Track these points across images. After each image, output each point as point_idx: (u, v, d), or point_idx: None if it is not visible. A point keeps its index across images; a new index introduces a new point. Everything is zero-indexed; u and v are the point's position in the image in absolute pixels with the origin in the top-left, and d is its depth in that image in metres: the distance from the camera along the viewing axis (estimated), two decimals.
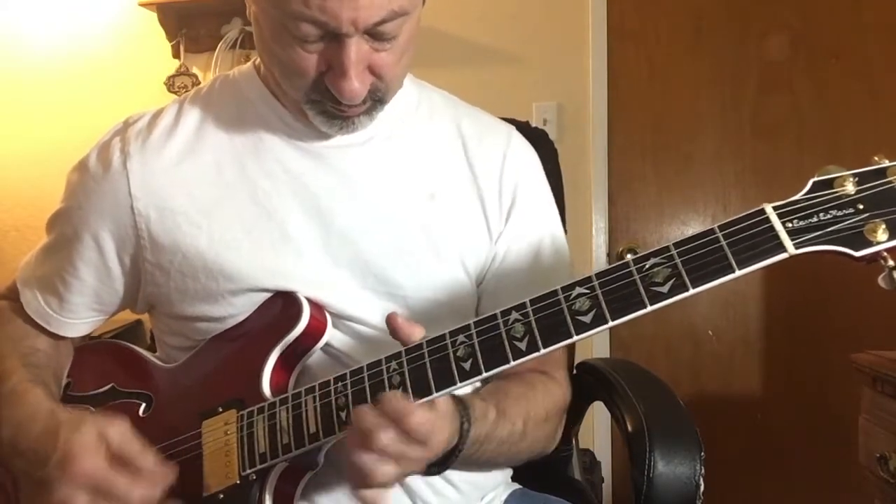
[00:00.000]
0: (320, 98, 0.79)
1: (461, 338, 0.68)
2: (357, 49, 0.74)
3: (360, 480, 0.67)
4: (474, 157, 0.92)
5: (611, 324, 0.64)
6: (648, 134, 2.13)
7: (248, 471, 0.75)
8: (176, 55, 2.27)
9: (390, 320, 0.71)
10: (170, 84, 2.24)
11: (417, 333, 0.71)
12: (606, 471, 2.05)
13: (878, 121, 1.99)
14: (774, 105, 2.06)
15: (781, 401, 2.10)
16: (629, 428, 0.95)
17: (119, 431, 0.75)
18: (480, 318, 0.69)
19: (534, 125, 1.36)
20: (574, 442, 1.25)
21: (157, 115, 0.90)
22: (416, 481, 0.84)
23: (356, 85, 0.75)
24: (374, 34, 0.74)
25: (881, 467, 1.39)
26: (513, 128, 0.99)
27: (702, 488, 0.89)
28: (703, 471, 0.90)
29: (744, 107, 2.08)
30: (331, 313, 0.84)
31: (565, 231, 1.33)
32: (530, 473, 1.00)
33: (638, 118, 2.13)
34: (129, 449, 0.75)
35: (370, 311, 0.85)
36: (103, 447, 0.73)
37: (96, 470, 0.72)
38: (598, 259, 2.12)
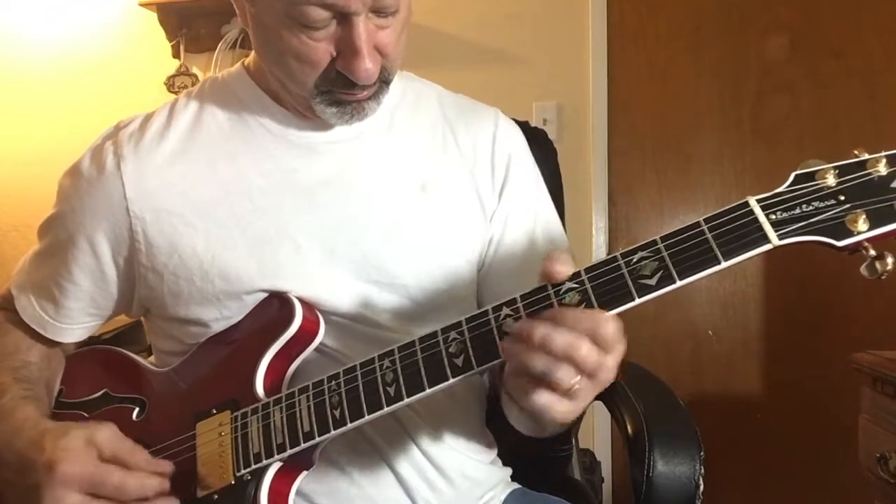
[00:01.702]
0: (330, 87, 0.79)
1: (453, 334, 0.69)
2: (365, 27, 0.75)
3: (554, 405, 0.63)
4: (463, 141, 0.93)
5: None
6: (648, 134, 2.13)
7: (243, 471, 0.75)
8: (176, 55, 2.27)
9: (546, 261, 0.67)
10: (170, 84, 2.24)
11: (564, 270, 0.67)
12: (606, 471, 2.05)
13: (877, 120, 1.99)
14: (774, 105, 2.06)
15: (781, 401, 2.10)
16: (629, 428, 0.96)
17: (107, 433, 0.75)
18: (472, 314, 0.69)
19: (534, 125, 1.36)
20: (574, 442, 1.25)
21: (148, 117, 0.90)
22: (414, 479, 0.84)
23: (369, 64, 0.76)
24: (379, 8, 0.75)
25: (881, 467, 1.38)
26: (497, 110, 1.00)
27: (702, 488, 0.89)
28: (703, 471, 0.90)
29: (744, 107, 2.08)
30: (326, 310, 0.84)
31: (565, 231, 1.34)
32: (530, 473, 1.00)
33: (638, 118, 2.13)
34: (120, 447, 0.75)
35: (365, 305, 0.85)
36: (92, 450, 0.74)
37: (87, 468, 0.72)
38: (599, 259, 2.12)
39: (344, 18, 0.74)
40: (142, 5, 2.19)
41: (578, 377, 0.62)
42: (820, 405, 2.03)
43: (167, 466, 0.77)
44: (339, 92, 0.79)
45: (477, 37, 2.13)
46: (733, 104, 2.08)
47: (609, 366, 0.63)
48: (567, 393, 0.62)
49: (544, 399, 0.62)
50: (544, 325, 0.62)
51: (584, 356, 0.61)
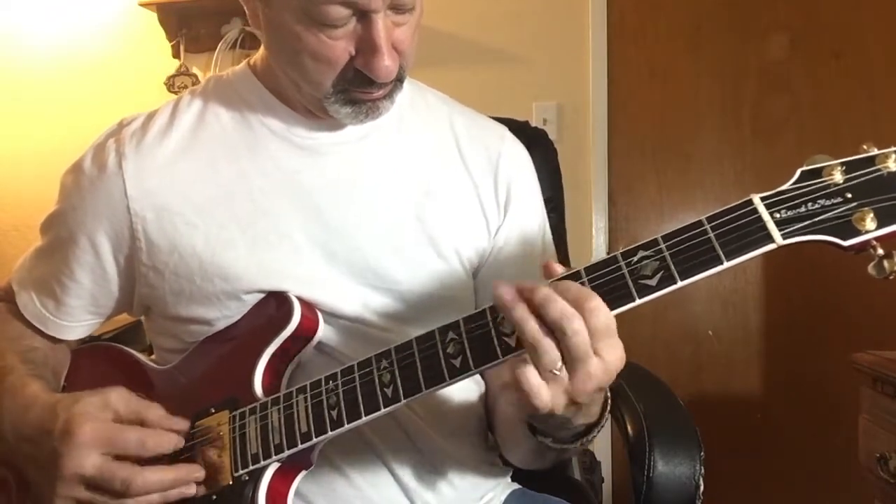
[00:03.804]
0: (347, 86, 0.79)
1: (451, 335, 0.69)
2: (384, 24, 0.75)
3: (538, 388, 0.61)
4: (468, 154, 0.93)
5: None
6: (648, 134, 2.13)
7: (241, 471, 0.75)
8: (176, 55, 2.27)
9: (547, 267, 0.67)
10: (170, 84, 2.24)
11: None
12: (606, 471, 2.05)
13: (877, 120, 1.99)
14: (774, 105, 2.06)
15: (781, 401, 2.10)
16: (629, 428, 0.96)
17: (120, 393, 0.76)
18: (470, 314, 0.69)
19: (534, 125, 1.37)
20: None
21: (151, 115, 0.90)
22: (412, 480, 0.84)
23: (389, 61, 0.76)
24: (397, 5, 0.75)
25: (881, 467, 1.38)
26: (505, 127, 1.00)
27: (702, 488, 0.89)
28: (703, 471, 0.90)
29: (744, 107, 2.08)
30: (325, 311, 0.84)
31: (565, 231, 1.34)
32: (530, 473, 1.00)
33: (638, 118, 2.13)
34: (136, 403, 0.76)
35: (365, 308, 0.85)
36: (108, 413, 0.74)
37: (105, 429, 0.73)
38: (599, 258, 2.12)
39: (364, 16, 0.74)
40: (142, 5, 2.19)
41: (560, 362, 0.61)
42: (820, 405, 2.03)
43: (184, 424, 0.77)
44: (356, 91, 0.79)
45: (477, 37, 2.13)
46: (733, 104, 2.08)
47: (595, 361, 0.61)
48: (549, 372, 0.61)
49: (534, 380, 0.61)
50: (546, 289, 0.61)
51: (574, 330, 0.60)
